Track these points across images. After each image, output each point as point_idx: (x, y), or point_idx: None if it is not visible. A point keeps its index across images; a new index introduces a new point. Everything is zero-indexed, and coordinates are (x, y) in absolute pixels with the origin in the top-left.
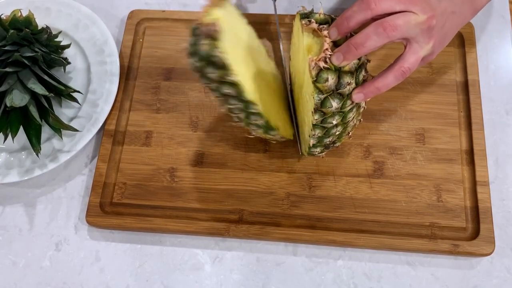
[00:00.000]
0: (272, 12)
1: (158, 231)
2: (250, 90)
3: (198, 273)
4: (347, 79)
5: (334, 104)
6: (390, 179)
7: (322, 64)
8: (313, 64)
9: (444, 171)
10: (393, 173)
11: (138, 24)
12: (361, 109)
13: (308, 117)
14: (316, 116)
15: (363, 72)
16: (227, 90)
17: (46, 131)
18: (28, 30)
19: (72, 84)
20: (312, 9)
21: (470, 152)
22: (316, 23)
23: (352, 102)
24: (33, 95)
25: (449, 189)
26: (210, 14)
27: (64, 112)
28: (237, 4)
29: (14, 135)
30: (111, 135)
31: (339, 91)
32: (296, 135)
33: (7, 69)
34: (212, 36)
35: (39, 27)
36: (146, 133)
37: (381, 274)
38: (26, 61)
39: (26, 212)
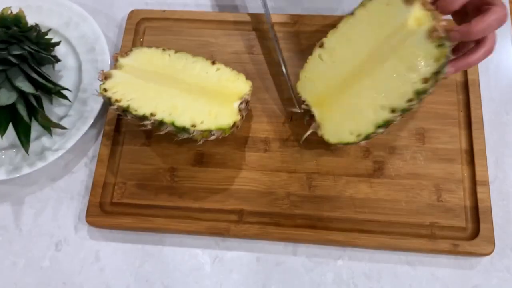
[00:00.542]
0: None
1: (158, 231)
2: (143, 105)
3: (198, 273)
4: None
5: (445, 70)
6: (390, 179)
7: (443, 33)
8: (440, 30)
9: (444, 171)
10: (393, 173)
11: (138, 24)
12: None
13: (388, 92)
14: (423, 86)
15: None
16: (129, 114)
17: (36, 129)
18: (16, 28)
19: (63, 82)
20: None
21: (470, 152)
22: None
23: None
24: (21, 93)
25: (449, 189)
26: (104, 83)
27: (55, 110)
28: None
29: (2, 133)
30: (111, 135)
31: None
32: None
33: None
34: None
35: (29, 25)
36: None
37: (381, 274)
38: (14, 59)
39: (26, 212)
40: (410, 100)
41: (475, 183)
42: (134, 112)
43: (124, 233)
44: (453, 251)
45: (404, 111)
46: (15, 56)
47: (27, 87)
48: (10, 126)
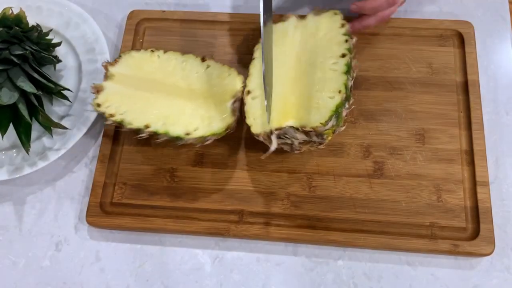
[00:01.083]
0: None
1: (158, 231)
2: (137, 118)
3: (198, 273)
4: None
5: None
6: (390, 179)
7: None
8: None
9: (444, 171)
10: (393, 173)
11: (138, 24)
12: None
13: (330, 82)
14: (345, 60)
15: None
16: (124, 128)
17: (36, 129)
18: (18, 28)
19: (63, 82)
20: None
21: (470, 152)
22: None
23: None
24: (23, 93)
25: (449, 189)
26: (97, 96)
27: (55, 110)
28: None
29: (3, 133)
30: (111, 135)
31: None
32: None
33: None
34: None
35: (30, 25)
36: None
37: (381, 274)
38: (15, 59)
39: (26, 212)
40: (346, 73)
41: (475, 184)
42: (128, 126)
43: (124, 233)
44: (453, 252)
45: (347, 89)
46: (16, 56)
47: (28, 87)
48: (11, 127)
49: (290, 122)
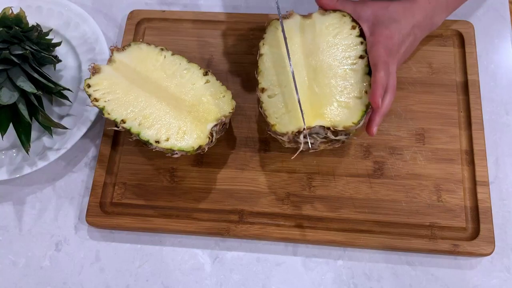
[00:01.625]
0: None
1: (158, 231)
2: (118, 109)
3: (198, 273)
4: None
5: None
6: (390, 179)
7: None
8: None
9: (444, 171)
10: (393, 173)
11: (138, 24)
12: None
13: (354, 82)
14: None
15: None
16: (103, 115)
17: (36, 129)
18: (18, 28)
19: (63, 82)
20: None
21: (470, 152)
22: None
23: None
24: (23, 93)
25: (449, 189)
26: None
27: (55, 110)
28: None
29: (3, 133)
30: (111, 135)
31: None
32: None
33: None
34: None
35: (30, 25)
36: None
37: (381, 274)
38: (15, 59)
39: (26, 212)
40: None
41: (475, 184)
42: (106, 115)
43: (124, 233)
44: (453, 251)
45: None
46: (16, 55)
47: (28, 87)
48: (11, 126)
49: (320, 121)
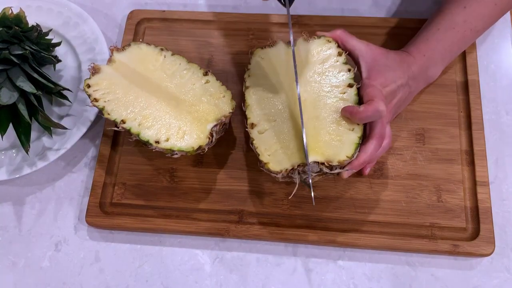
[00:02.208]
0: (270, 12)
1: (158, 231)
2: (118, 110)
3: (198, 273)
4: None
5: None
6: (390, 179)
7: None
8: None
9: (444, 171)
10: (393, 173)
11: (138, 24)
12: None
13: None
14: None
15: None
16: (103, 115)
17: (36, 129)
18: (18, 28)
19: (63, 82)
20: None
21: (470, 152)
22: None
23: None
24: (22, 93)
25: (449, 189)
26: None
27: (55, 110)
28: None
29: (3, 133)
30: (111, 135)
31: None
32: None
33: None
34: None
35: (30, 25)
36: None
37: (381, 274)
38: (15, 59)
39: (26, 213)
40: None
41: (475, 184)
42: (106, 115)
43: (124, 233)
44: (453, 252)
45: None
46: (16, 55)
47: (28, 87)
48: (11, 126)
49: (315, 157)
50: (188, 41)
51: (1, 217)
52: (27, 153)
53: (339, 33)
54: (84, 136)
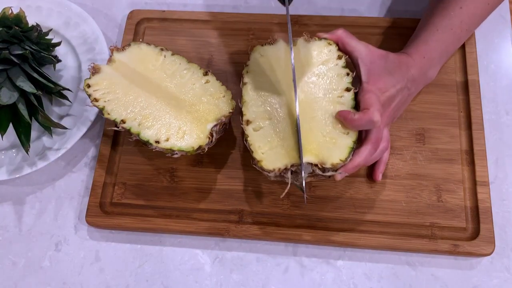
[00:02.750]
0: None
1: (158, 231)
2: (118, 109)
3: (198, 273)
4: None
5: None
6: (390, 179)
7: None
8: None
9: (444, 171)
10: (393, 173)
11: (138, 24)
12: None
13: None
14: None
15: None
16: (103, 115)
17: (36, 129)
18: (18, 28)
19: (63, 82)
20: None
21: (470, 152)
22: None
23: None
24: (22, 93)
25: (449, 189)
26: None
27: (55, 110)
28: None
29: (3, 133)
30: (111, 135)
31: None
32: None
33: None
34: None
35: (30, 25)
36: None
37: (381, 274)
38: (15, 59)
39: (26, 212)
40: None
41: (475, 184)
42: (106, 115)
43: (124, 233)
44: (453, 252)
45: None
46: (16, 55)
47: (28, 87)
48: (11, 126)
49: (308, 158)
50: (188, 41)
51: (1, 217)
52: (27, 153)
53: (339, 33)
54: (84, 136)
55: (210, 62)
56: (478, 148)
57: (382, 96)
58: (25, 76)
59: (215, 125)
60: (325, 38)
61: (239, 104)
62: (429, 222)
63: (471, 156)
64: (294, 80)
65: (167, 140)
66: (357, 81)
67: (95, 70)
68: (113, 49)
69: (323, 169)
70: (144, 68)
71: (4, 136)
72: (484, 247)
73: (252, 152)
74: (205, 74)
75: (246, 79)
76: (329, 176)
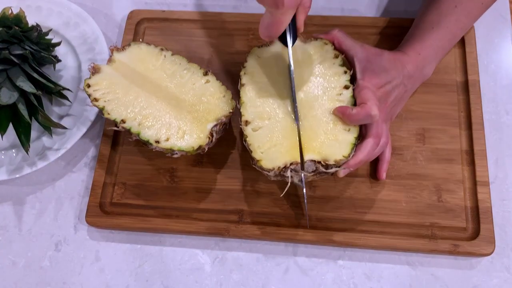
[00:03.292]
0: None
1: (158, 231)
2: (118, 109)
3: (198, 273)
4: None
5: None
6: (390, 179)
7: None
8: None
9: (444, 171)
10: (393, 173)
11: (138, 24)
12: None
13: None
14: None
15: None
16: (103, 115)
17: (36, 129)
18: (18, 28)
19: (63, 82)
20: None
21: (470, 152)
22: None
23: None
24: (22, 93)
25: (449, 189)
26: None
27: (55, 110)
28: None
29: (3, 133)
30: (111, 135)
31: None
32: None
33: None
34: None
35: (30, 25)
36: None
37: (381, 274)
38: (15, 59)
39: (26, 212)
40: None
41: (475, 184)
42: (106, 115)
43: (124, 233)
44: (453, 252)
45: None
46: (16, 55)
47: (28, 87)
48: (11, 126)
49: (311, 155)
50: (188, 41)
51: (1, 217)
52: (27, 153)
53: (335, 33)
54: (84, 136)
55: (210, 62)
56: (478, 148)
57: (378, 91)
58: (25, 76)
59: (215, 125)
60: (321, 38)
61: (237, 105)
62: (429, 222)
63: (471, 156)
64: (291, 79)
65: (167, 140)
66: (354, 80)
67: (95, 70)
68: (113, 49)
69: (326, 166)
70: (144, 68)
71: (4, 136)
72: (484, 247)
73: (251, 152)
74: (205, 74)
75: (243, 80)
76: (332, 174)
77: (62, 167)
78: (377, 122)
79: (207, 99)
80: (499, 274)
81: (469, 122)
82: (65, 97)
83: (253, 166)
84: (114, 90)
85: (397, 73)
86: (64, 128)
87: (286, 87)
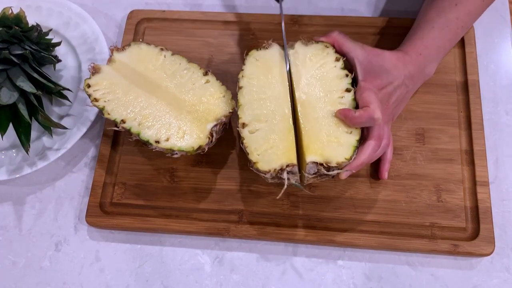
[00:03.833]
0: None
1: (158, 231)
2: (118, 109)
3: (198, 273)
4: None
5: None
6: (390, 179)
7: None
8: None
9: (444, 171)
10: (393, 173)
11: (138, 24)
12: None
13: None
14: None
15: None
16: (103, 115)
17: (36, 129)
18: (18, 28)
19: (63, 82)
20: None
21: (470, 152)
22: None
23: None
24: (22, 93)
25: (449, 189)
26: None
27: (55, 110)
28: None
29: (3, 133)
30: (111, 135)
31: None
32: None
33: None
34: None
35: (30, 25)
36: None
37: (381, 274)
38: (15, 59)
39: (26, 212)
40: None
41: (475, 184)
42: (106, 115)
43: (124, 233)
44: (453, 252)
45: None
46: (16, 55)
47: (28, 87)
48: (11, 126)
49: (313, 157)
50: (188, 41)
51: (1, 217)
52: (27, 153)
53: (334, 35)
54: (84, 136)
55: (210, 62)
56: (478, 148)
57: (380, 93)
58: (25, 76)
59: (215, 125)
60: (321, 41)
61: (235, 107)
62: (429, 222)
63: (471, 156)
64: (289, 80)
65: (167, 140)
66: (356, 83)
67: (95, 70)
68: (113, 49)
69: (328, 168)
70: (144, 68)
71: (4, 136)
72: (484, 247)
73: (248, 154)
74: (205, 74)
75: (241, 83)
76: (333, 176)
77: (62, 167)
78: (379, 124)
79: (207, 99)
80: (499, 274)
81: (469, 122)
82: (65, 97)
83: (250, 168)
84: (114, 90)
85: (399, 74)
86: (64, 128)
87: (284, 89)
